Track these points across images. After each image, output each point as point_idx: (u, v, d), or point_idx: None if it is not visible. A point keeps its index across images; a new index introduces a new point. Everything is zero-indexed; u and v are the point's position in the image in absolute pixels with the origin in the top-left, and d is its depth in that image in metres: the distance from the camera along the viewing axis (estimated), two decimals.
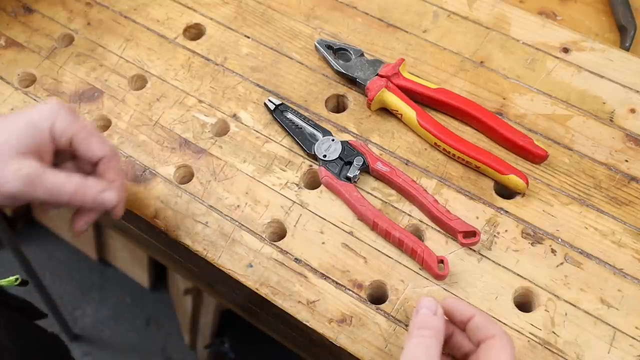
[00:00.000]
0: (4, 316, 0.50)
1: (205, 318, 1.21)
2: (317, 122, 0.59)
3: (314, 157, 0.56)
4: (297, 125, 0.58)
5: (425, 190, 0.53)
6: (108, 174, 0.47)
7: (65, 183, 0.44)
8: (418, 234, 0.53)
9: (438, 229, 0.53)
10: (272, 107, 0.59)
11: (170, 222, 0.54)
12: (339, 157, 0.55)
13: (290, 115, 0.58)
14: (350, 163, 0.55)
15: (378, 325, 0.49)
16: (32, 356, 0.53)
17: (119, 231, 0.87)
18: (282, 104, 0.59)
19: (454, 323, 0.44)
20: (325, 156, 0.55)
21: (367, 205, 0.52)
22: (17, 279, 0.57)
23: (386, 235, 0.52)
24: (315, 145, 0.56)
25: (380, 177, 0.55)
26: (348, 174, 0.54)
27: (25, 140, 0.43)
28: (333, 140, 0.56)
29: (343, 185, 0.54)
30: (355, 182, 0.54)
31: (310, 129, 0.58)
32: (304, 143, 0.57)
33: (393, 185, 0.55)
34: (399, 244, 0.51)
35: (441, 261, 0.50)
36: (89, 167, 0.48)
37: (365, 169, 0.55)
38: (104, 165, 0.47)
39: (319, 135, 0.57)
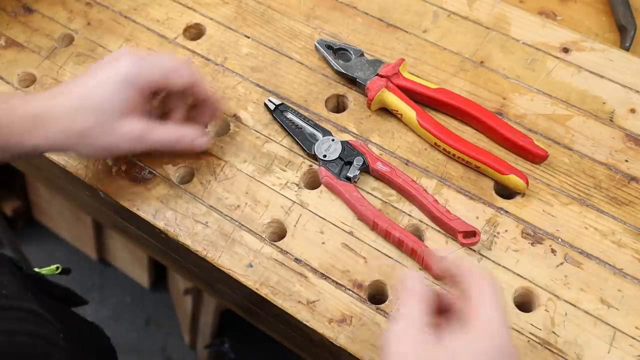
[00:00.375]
0: (53, 309, 0.51)
1: (205, 318, 1.21)
2: (317, 122, 0.59)
3: (314, 157, 0.56)
4: (297, 125, 0.58)
5: (425, 190, 0.53)
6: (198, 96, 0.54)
7: (166, 135, 0.52)
8: (418, 234, 0.53)
9: (438, 229, 0.53)
10: (272, 107, 0.59)
11: (170, 222, 0.54)
12: (339, 157, 0.55)
13: (290, 115, 0.58)
14: (350, 163, 0.55)
15: (378, 325, 0.49)
16: (82, 353, 0.54)
17: (119, 231, 0.87)
18: (282, 104, 0.59)
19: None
20: (325, 156, 0.55)
21: (367, 205, 0.52)
22: (57, 268, 0.58)
23: (386, 235, 0.52)
24: (315, 145, 0.56)
25: (380, 177, 0.55)
26: (348, 174, 0.54)
27: (124, 103, 0.49)
28: (333, 140, 0.56)
29: (343, 185, 0.54)
30: (355, 182, 0.54)
31: (310, 129, 0.58)
32: (304, 143, 0.57)
33: (393, 185, 0.55)
34: (399, 244, 0.51)
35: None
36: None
37: (365, 169, 0.55)
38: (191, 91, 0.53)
39: (319, 135, 0.57)
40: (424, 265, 0.50)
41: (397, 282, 0.49)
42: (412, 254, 0.51)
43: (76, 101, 0.49)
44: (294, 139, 0.57)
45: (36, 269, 0.56)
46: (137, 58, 0.50)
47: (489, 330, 0.37)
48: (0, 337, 0.39)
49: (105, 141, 0.50)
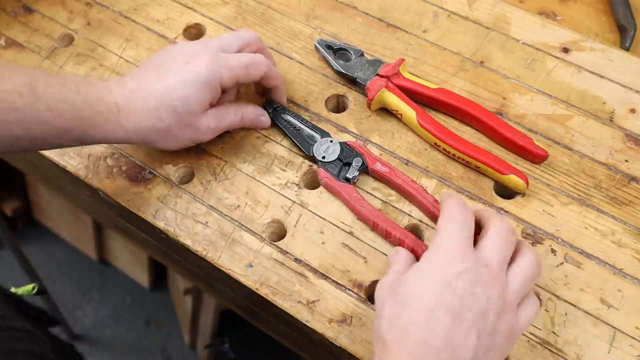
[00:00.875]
0: (40, 328, 0.52)
1: (205, 318, 1.21)
2: (317, 122, 0.59)
3: (313, 159, 0.56)
4: (295, 127, 0.58)
5: (425, 190, 0.53)
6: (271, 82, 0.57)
7: (234, 115, 0.55)
8: (418, 233, 0.53)
9: None
10: (269, 110, 0.59)
11: (170, 222, 0.54)
12: (338, 158, 0.55)
13: (288, 117, 0.58)
14: (349, 164, 0.55)
15: None
16: None
17: (119, 231, 0.87)
18: (279, 106, 0.59)
19: None
20: (324, 157, 0.55)
21: (367, 205, 0.52)
22: (34, 288, 0.59)
23: (386, 236, 0.52)
24: (314, 146, 0.56)
25: (379, 177, 0.55)
26: (347, 175, 0.54)
27: (204, 103, 0.52)
28: (331, 141, 0.56)
29: (342, 186, 0.54)
30: (354, 182, 0.54)
31: (308, 131, 0.58)
32: (303, 145, 0.57)
33: (392, 186, 0.55)
34: (400, 244, 0.51)
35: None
36: None
37: (365, 170, 0.55)
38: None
39: (317, 136, 0.57)
40: None
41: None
42: (413, 254, 0.51)
43: (157, 99, 0.50)
44: (292, 141, 0.57)
45: (12, 289, 0.56)
46: (216, 57, 0.51)
47: (434, 249, 0.41)
48: (1, 356, 0.40)
49: (184, 138, 0.53)
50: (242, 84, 0.59)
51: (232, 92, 0.57)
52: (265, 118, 0.58)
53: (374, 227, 0.52)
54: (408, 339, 0.38)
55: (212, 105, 0.54)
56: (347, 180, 0.54)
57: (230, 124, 0.55)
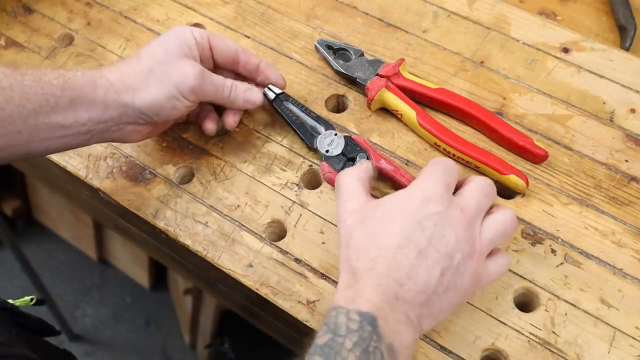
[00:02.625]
0: (32, 340, 0.52)
1: (205, 318, 1.21)
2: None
3: (315, 151, 0.56)
4: (298, 117, 0.57)
5: None
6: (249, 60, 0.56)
7: (223, 80, 0.54)
8: None
9: None
10: (272, 96, 0.58)
11: (170, 222, 0.54)
12: (342, 153, 0.55)
13: (290, 106, 0.58)
14: (353, 159, 0.54)
15: None
16: None
17: (119, 231, 0.87)
18: (282, 93, 0.58)
19: None
20: (328, 151, 0.55)
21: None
22: (32, 299, 0.59)
23: None
24: (318, 139, 0.55)
25: (383, 175, 0.55)
26: None
27: (182, 48, 0.52)
28: (336, 134, 0.56)
29: None
30: None
31: (311, 122, 0.57)
32: (306, 136, 0.56)
33: (396, 184, 0.54)
34: None
35: None
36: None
37: None
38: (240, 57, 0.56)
39: (320, 128, 0.56)
40: None
41: None
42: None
43: (138, 53, 0.53)
44: (295, 131, 0.57)
45: (10, 301, 0.57)
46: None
47: (413, 188, 0.44)
48: None
49: (172, 76, 0.51)
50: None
51: (224, 72, 0.57)
52: (256, 92, 0.56)
53: None
54: (375, 269, 0.41)
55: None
56: None
57: (220, 83, 0.54)
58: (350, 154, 0.55)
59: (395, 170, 0.53)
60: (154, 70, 0.51)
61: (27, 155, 0.50)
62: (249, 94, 0.55)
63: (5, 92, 0.46)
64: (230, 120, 0.56)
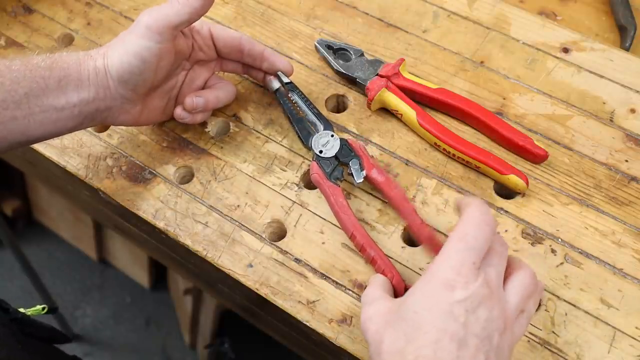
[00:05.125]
0: (42, 351, 0.52)
1: (205, 318, 1.21)
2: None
3: (310, 149, 0.55)
4: (300, 110, 0.57)
5: (415, 211, 0.50)
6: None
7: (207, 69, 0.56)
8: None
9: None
10: (275, 86, 0.57)
11: (170, 222, 0.54)
12: (335, 156, 0.54)
13: (295, 97, 0.57)
14: (345, 164, 0.54)
15: None
16: None
17: (119, 231, 0.87)
18: (290, 82, 0.58)
19: None
20: (321, 152, 0.54)
21: (350, 215, 0.51)
22: (43, 308, 0.59)
23: (361, 250, 0.50)
24: (313, 138, 0.55)
25: (374, 184, 0.54)
26: (338, 176, 0.53)
27: (164, 10, 0.49)
28: (332, 136, 0.55)
29: (331, 187, 0.52)
30: (341, 181, 0.54)
31: (312, 117, 0.57)
32: (302, 133, 0.56)
33: (385, 196, 0.53)
34: (372, 263, 0.50)
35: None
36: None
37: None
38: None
39: (319, 126, 0.56)
40: (395, 289, 0.48)
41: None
42: (384, 274, 0.49)
43: (126, 29, 0.51)
44: (292, 126, 0.56)
45: (21, 310, 0.57)
46: None
47: (434, 273, 0.39)
48: None
49: (133, 29, 0.50)
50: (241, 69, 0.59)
51: (230, 64, 0.58)
52: (230, 86, 0.57)
53: (351, 238, 0.51)
54: None
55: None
56: (338, 181, 0.53)
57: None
58: (344, 157, 0.54)
59: (386, 183, 0.52)
60: (124, 34, 0.50)
61: (27, 141, 0.50)
62: (226, 87, 0.57)
63: None
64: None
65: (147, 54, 0.49)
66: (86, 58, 0.50)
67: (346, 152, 0.55)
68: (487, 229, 0.39)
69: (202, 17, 0.51)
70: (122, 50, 0.50)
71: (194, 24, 0.52)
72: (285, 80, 0.57)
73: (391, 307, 0.41)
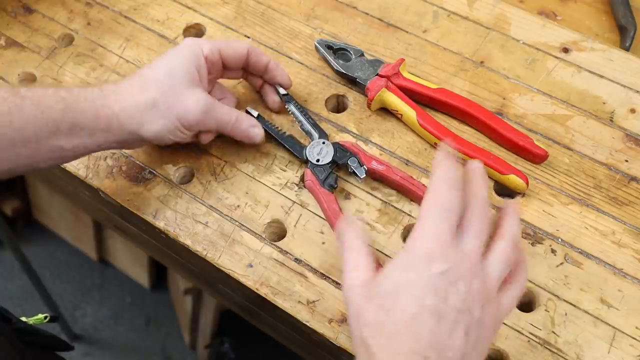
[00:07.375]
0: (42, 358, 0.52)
1: (205, 318, 1.21)
2: (317, 122, 0.58)
3: (306, 162, 0.56)
4: (297, 120, 0.57)
5: (424, 185, 0.52)
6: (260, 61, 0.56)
7: (228, 113, 0.54)
8: None
9: None
10: (255, 115, 0.58)
11: (170, 222, 0.54)
12: (332, 160, 0.55)
13: (292, 107, 0.58)
14: (345, 165, 0.55)
15: None
16: None
17: (119, 231, 0.87)
18: (286, 94, 0.58)
19: None
20: (318, 160, 0.55)
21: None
22: (45, 317, 0.59)
23: None
24: (306, 149, 0.55)
25: (377, 176, 0.55)
26: (332, 183, 0.53)
27: (190, 73, 0.51)
28: (324, 143, 0.56)
29: (323, 193, 0.53)
30: (333, 188, 0.54)
31: (308, 127, 0.57)
32: (294, 148, 0.56)
33: (391, 184, 0.54)
34: None
35: None
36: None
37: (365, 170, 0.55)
38: (252, 58, 0.56)
39: (315, 135, 0.56)
40: None
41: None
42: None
43: (142, 75, 0.51)
44: (282, 145, 0.57)
45: (23, 319, 0.57)
46: (194, 38, 0.53)
47: (412, 246, 0.38)
48: None
49: (175, 109, 0.50)
50: (239, 75, 0.58)
51: (232, 72, 0.57)
52: (258, 130, 0.56)
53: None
54: (393, 346, 0.36)
55: (210, 93, 0.54)
56: (332, 187, 0.53)
57: (223, 117, 0.53)
58: (341, 159, 0.55)
59: (387, 170, 0.53)
60: (158, 104, 0.50)
61: (32, 171, 0.50)
62: (251, 131, 0.55)
63: (5, 116, 0.46)
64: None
65: (184, 137, 0.53)
66: (104, 109, 0.49)
67: (342, 154, 0.55)
68: (454, 185, 0.39)
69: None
70: (161, 127, 0.51)
71: (207, 54, 0.53)
72: (283, 92, 0.58)
73: (374, 281, 0.39)
